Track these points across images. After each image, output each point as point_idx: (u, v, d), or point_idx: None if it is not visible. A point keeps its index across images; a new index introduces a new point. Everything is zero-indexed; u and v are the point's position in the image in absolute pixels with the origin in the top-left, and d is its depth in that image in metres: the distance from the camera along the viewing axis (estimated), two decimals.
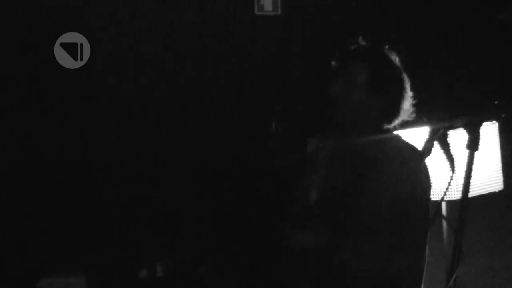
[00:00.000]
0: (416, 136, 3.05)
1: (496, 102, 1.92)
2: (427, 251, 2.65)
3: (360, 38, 2.77)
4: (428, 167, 2.58)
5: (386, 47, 2.76)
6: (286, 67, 4.17)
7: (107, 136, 4.08)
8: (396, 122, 2.72)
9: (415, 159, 2.56)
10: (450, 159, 2.00)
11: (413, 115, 2.72)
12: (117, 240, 4.04)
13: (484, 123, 1.96)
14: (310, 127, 3.11)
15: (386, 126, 2.72)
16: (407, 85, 2.71)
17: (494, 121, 3.30)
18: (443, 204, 3.33)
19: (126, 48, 4.04)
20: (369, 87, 2.67)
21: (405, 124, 2.76)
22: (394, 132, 2.75)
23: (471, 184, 1.95)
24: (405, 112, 2.70)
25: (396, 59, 2.75)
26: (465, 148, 1.94)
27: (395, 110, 2.69)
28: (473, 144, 1.94)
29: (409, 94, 2.70)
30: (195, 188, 4.13)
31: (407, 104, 2.69)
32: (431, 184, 2.63)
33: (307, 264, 2.72)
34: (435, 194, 3.14)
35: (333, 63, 2.78)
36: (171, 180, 4.10)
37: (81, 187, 3.99)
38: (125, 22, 4.03)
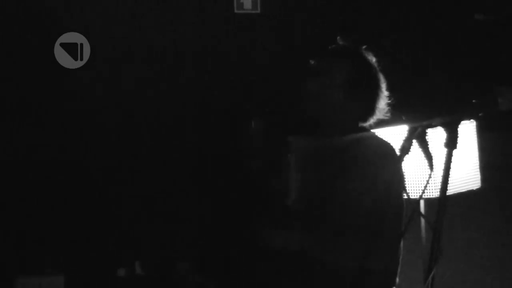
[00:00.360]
0: (394, 134, 3.07)
1: (474, 101, 1.92)
2: (401, 249, 2.68)
3: (338, 38, 2.79)
4: (403, 165, 2.60)
5: (364, 47, 2.78)
6: (265, 66, 4.17)
7: (99, 136, 4.07)
8: (372, 120, 2.75)
9: (390, 158, 2.59)
10: (429, 157, 2.00)
11: (388, 114, 2.75)
12: (95, 238, 4.02)
13: (462, 122, 1.96)
14: (291, 126, 3.12)
15: (362, 125, 2.74)
16: (383, 85, 2.75)
17: (472, 120, 3.33)
18: (422, 202, 3.35)
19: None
20: (346, 86, 2.70)
21: (384, 123, 2.78)
22: (371, 131, 2.78)
23: (449, 182, 1.95)
24: (381, 111, 2.74)
25: (373, 59, 2.77)
26: (444, 147, 1.94)
27: (371, 109, 2.73)
28: (451, 143, 1.94)
29: (384, 93, 2.74)
30: (174, 188, 4.12)
31: (383, 104, 2.73)
32: (405, 183, 2.66)
33: (285, 263, 2.73)
34: (414, 192, 3.16)
35: (311, 62, 2.79)
36: (150, 180, 4.09)
37: (62, 187, 3.97)
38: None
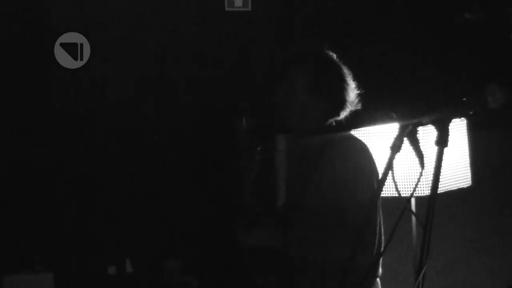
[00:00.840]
0: (385, 132, 3.08)
1: (464, 99, 1.92)
2: (382, 242, 2.69)
3: (296, 45, 2.84)
4: (376, 163, 2.63)
5: (324, 47, 2.78)
6: (256, 63, 4.18)
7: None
8: (345, 114, 2.80)
9: (363, 154, 2.60)
10: (420, 155, 2.01)
11: (359, 105, 2.76)
12: (85, 236, 4.02)
13: (453, 120, 1.97)
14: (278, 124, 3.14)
15: (335, 120, 2.76)
16: (349, 78, 2.76)
17: (462, 118, 3.34)
18: (413, 200, 3.36)
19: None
20: (310, 90, 2.74)
21: (374, 121, 2.79)
22: (345, 130, 2.80)
23: (440, 180, 1.96)
24: (352, 104, 2.78)
25: (333, 55, 2.79)
26: (434, 145, 1.94)
27: (340, 105, 2.76)
28: (442, 141, 1.94)
29: (351, 85, 2.75)
30: (164, 187, 4.12)
31: (352, 96, 2.76)
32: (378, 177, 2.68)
33: (267, 259, 2.75)
34: (405, 190, 3.18)
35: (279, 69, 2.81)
36: (140, 179, 4.09)
37: (53, 185, 3.97)
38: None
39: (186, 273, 3.99)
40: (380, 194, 2.50)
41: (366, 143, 2.79)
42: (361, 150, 2.71)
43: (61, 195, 3.98)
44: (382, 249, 2.71)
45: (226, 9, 4.20)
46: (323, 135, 2.78)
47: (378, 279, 2.78)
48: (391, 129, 3.12)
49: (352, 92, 2.80)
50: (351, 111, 2.83)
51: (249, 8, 4.22)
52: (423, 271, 1.90)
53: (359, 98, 2.82)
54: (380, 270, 2.79)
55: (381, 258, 2.74)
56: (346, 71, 2.82)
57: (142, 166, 4.10)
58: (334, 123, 2.83)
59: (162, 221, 4.09)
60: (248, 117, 2.75)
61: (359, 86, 2.81)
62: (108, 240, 4.05)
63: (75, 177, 3.99)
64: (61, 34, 3.92)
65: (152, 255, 4.08)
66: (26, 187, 3.94)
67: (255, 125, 2.79)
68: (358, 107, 2.84)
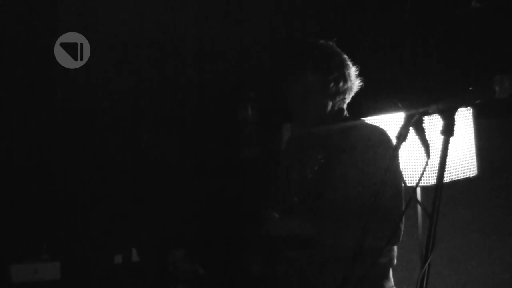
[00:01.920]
0: (391, 121, 3.08)
1: (470, 88, 1.91)
2: (402, 232, 2.70)
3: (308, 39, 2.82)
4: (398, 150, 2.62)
5: (322, 41, 2.79)
6: (258, 54, 4.18)
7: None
8: (351, 94, 2.81)
9: (384, 143, 2.61)
10: (425, 144, 2.00)
11: (361, 83, 2.76)
12: (92, 225, 4.03)
13: (459, 109, 1.96)
14: (284, 114, 3.14)
15: (344, 106, 2.78)
16: (347, 63, 2.80)
17: (468, 107, 3.33)
18: (418, 190, 3.36)
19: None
20: (323, 87, 2.75)
21: (381, 110, 2.80)
22: (362, 119, 2.80)
23: (445, 169, 1.96)
24: (356, 86, 2.79)
25: (328, 43, 2.79)
26: (440, 134, 1.94)
27: (347, 90, 2.79)
28: (447, 130, 1.93)
29: (351, 69, 2.80)
30: (171, 177, 4.12)
31: (353, 78, 2.78)
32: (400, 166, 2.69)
33: (291, 249, 2.74)
34: (410, 179, 3.17)
35: (280, 68, 2.82)
36: (147, 169, 4.10)
37: (59, 176, 3.98)
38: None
39: (192, 262, 3.99)
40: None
41: (381, 127, 2.78)
42: (382, 137, 2.72)
43: (68, 186, 3.99)
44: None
45: None
46: (340, 123, 2.77)
47: (395, 247, 2.79)
48: (397, 118, 3.11)
49: (353, 74, 2.83)
50: (355, 92, 2.85)
51: None
52: (429, 261, 1.89)
53: (359, 78, 2.84)
54: (395, 260, 2.79)
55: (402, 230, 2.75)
56: (343, 55, 2.83)
57: (146, 158, 4.10)
58: (344, 109, 2.84)
59: (168, 210, 4.09)
60: (253, 107, 2.75)
61: (358, 69, 2.83)
62: (115, 230, 4.05)
63: (81, 170, 3.99)
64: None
65: (158, 244, 4.09)
66: (33, 179, 3.95)
67: (260, 115, 2.80)
68: (360, 87, 2.84)
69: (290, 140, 3.03)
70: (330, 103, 2.78)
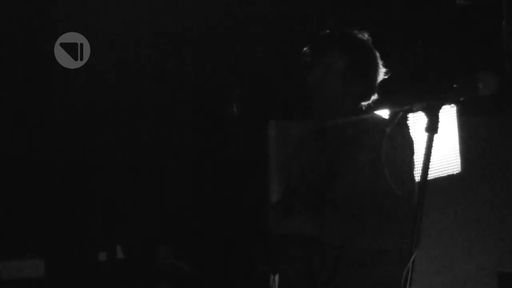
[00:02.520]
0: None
1: (454, 86, 1.86)
2: (420, 231, 2.57)
3: (329, 21, 2.69)
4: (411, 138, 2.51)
5: (356, 27, 2.69)
6: (246, 51, 4.12)
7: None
8: (373, 98, 2.68)
9: (401, 137, 2.49)
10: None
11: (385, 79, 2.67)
12: (76, 223, 3.96)
13: (443, 107, 1.91)
14: (270, 111, 3.06)
15: (363, 104, 2.66)
16: (380, 61, 2.66)
17: (452, 105, 3.27)
18: None
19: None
20: (348, 73, 2.62)
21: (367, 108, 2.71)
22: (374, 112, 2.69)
23: (430, 166, 1.90)
24: (377, 76, 2.66)
25: (368, 37, 2.69)
26: (424, 131, 1.89)
27: (373, 89, 2.64)
28: (432, 127, 1.89)
29: (382, 70, 2.65)
30: (157, 174, 4.07)
31: (380, 78, 2.63)
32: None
33: (295, 247, 2.63)
34: None
35: (306, 50, 2.68)
36: (132, 166, 4.04)
37: (44, 174, 3.91)
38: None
39: (177, 259, 3.92)
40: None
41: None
42: (408, 140, 2.53)
43: (52, 184, 3.91)
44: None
45: None
46: (354, 119, 2.64)
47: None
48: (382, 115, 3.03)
49: (381, 76, 2.69)
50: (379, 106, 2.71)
51: None
52: (413, 257, 1.84)
53: (386, 74, 2.70)
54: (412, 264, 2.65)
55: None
56: (377, 54, 2.70)
57: (130, 156, 4.04)
58: (364, 107, 2.71)
59: (153, 207, 4.03)
60: (239, 103, 2.64)
61: (388, 71, 2.71)
62: (99, 227, 3.99)
63: (66, 168, 3.92)
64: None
65: (143, 241, 4.02)
66: (17, 177, 3.87)
67: (246, 111, 2.69)
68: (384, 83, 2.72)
69: (293, 134, 2.88)
70: (349, 92, 2.64)
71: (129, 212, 4.02)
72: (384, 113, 2.91)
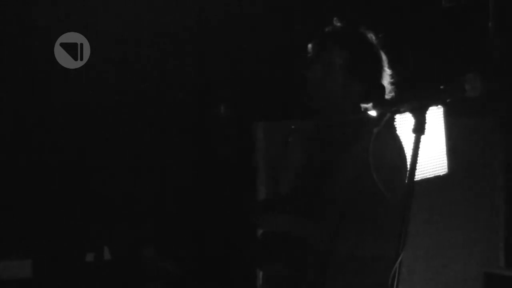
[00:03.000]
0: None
1: (442, 87, 1.82)
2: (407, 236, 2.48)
3: (335, 19, 2.59)
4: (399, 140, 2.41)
5: (363, 26, 2.59)
6: (233, 52, 4.08)
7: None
8: (378, 88, 2.57)
9: (390, 138, 2.39)
10: None
11: (392, 94, 2.56)
12: (64, 223, 3.90)
13: (430, 108, 1.86)
14: (257, 112, 2.98)
15: (364, 105, 2.56)
16: (385, 63, 2.55)
17: (439, 106, 3.21)
18: None
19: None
20: (349, 71, 2.50)
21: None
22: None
23: (417, 167, 1.84)
24: (385, 90, 2.54)
25: (372, 37, 2.58)
26: (412, 132, 1.85)
27: (376, 90, 2.53)
28: (419, 128, 1.84)
29: (387, 72, 2.54)
30: (142, 175, 4.04)
31: (386, 82, 2.53)
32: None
33: (281, 247, 2.53)
34: None
35: (310, 46, 2.58)
36: (120, 166, 4.00)
37: (32, 173, 3.86)
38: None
39: (163, 259, 3.87)
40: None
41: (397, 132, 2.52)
42: (397, 141, 2.45)
43: (39, 184, 3.85)
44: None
45: None
46: (351, 122, 2.53)
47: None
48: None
49: (386, 78, 2.58)
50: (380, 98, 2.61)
51: None
52: (400, 258, 1.81)
53: (392, 86, 2.59)
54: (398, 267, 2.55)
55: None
56: (383, 55, 2.59)
57: (117, 156, 3.98)
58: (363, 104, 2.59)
59: (139, 208, 3.98)
60: (226, 104, 2.56)
61: (394, 75, 2.61)
62: (86, 228, 3.92)
63: (53, 168, 3.86)
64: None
65: (129, 242, 3.97)
66: (4, 176, 3.81)
67: (232, 112, 2.61)
68: (390, 96, 2.60)
69: (296, 134, 2.76)
70: (349, 91, 2.52)
71: (116, 213, 3.97)
72: (371, 114, 2.83)
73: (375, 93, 2.53)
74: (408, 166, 1.85)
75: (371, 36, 2.60)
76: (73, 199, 3.88)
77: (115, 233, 3.93)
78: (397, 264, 1.78)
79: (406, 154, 2.40)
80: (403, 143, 2.44)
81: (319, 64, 2.54)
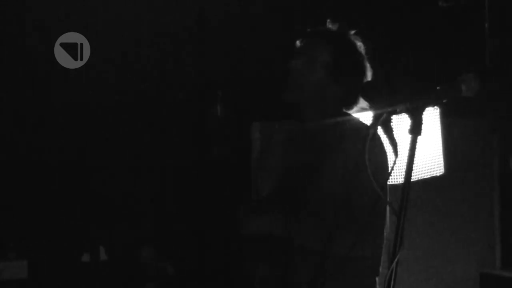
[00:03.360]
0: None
1: (438, 88, 1.80)
2: (384, 238, 2.46)
3: (328, 21, 2.56)
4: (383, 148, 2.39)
5: (353, 32, 2.55)
6: (231, 53, 4.06)
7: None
8: (355, 108, 2.53)
9: (379, 148, 2.37)
10: (393, 143, 1.89)
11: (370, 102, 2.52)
12: (59, 224, 3.87)
13: (427, 108, 1.84)
14: (254, 112, 2.96)
15: (345, 110, 2.52)
16: (369, 73, 2.51)
17: (435, 107, 3.18)
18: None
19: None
20: (328, 67, 2.46)
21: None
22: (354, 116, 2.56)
23: (413, 168, 1.83)
24: (363, 76, 2.51)
25: (361, 46, 2.54)
26: (408, 133, 1.82)
27: (354, 96, 2.49)
28: (415, 129, 1.81)
29: (363, 59, 2.51)
30: (140, 175, 4.01)
31: (364, 69, 2.50)
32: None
33: (266, 249, 2.51)
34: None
35: (297, 42, 2.55)
36: (116, 167, 3.97)
37: (28, 174, 3.83)
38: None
39: (160, 260, 3.84)
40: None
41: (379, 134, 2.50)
42: (379, 143, 2.40)
43: (35, 184, 3.83)
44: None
45: None
46: (334, 122, 2.49)
47: (377, 278, 2.53)
48: (366, 117, 2.92)
49: (366, 68, 2.53)
50: (361, 108, 2.56)
51: None
52: (396, 259, 1.77)
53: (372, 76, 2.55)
54: (380, 269, 2.53)
55: (382, 256, 2.50)
56: (368, 65, 2.54)
57: (115, 157, 3.96)
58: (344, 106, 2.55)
59: (136, 208, 3.95)
60: (222, 104, 2.54)
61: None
62: (82, 228, 3.90)
63: (49, 168, 3.84)
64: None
65: (126, 242, 3.94)
66: (5, 176, 3.79)
67: (229, 112, 2.58)
68: (369, 107, 2.57)
69: (279, 135, 2.73)
70: (330, 91, 2.49)
71: (113, 213, 3.95)
72: (367, 115, 2.80)
73: (352, 100, 2.51)
74: (404, 167, 1.82)
75: (360, 45, 2.56)
76: (73, 199, 3.86)
77: (114, 233, 3.91)
78: (394, 263, 1.75)
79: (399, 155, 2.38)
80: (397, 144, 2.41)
81: (301, 57, 2.51)
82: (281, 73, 2.57)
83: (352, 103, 2.52)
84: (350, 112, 2.54)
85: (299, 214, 2.41)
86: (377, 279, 2.51)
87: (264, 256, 2.54)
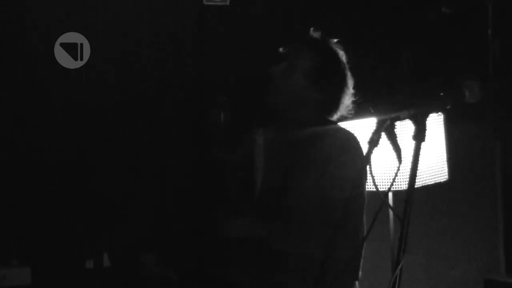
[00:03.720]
0: (363, 127, 2.93)
1: (441, 94, 1.82)
2: (363, 244, 2.50)
3: (311, 29, 2.61)
4: (369, 158, 2.42)
5: (335, 41, 2.59)
6: (233, 58, 4.06)
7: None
8: (335, 116, 2.58)
9: (353, 151, 2.41)
10: (397, 150, 1.91)
11: (352, 112, 2.57)
12: (63, 230, 3.88)
13: (430, 115, 1.86)
14: (257, 118, 2.97)
15: (326, 118, 2.55)
16: (350, 82, 2.57)
17: (439, 113, 3.20)
18: (390, 194, 3.21)
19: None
20: (309, 74, 2.51)
21: (352, 115, 2.62)
22: (337, 124, 2.60)
23: (417, 174, 1.85)
24: (345, 108, 2.57)
25: (343, 55, 2.58)
26: (412, 139, 1.84)
27: (335, 104, 2.55)
28: (419, 135, 1.83)
29: (350, 91, 2.55)
30: (141, 180, 4.02)
31: (348, 100, 2.57)
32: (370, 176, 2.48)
33: (247, 252, 2.54)
34: (382, 184, 3.03)
35: (280, 49, 2.59)
36: (117, 172, 3.97)
37: (30, 179, 3.83)
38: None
39: (164, 266, 3.85)
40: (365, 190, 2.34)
41: (355, 136, 2.55)
42: (349, 146, 2.47)
43: (38, 190, 3.83)
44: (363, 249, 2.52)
45: (205, 3, 4.06)
46: (310, 128, 2.54)
47: (357, 282, 2.56)
48: (369, 123, 2.95)
49: (349, 97, 2.59)
50: (342, 116, 2.61)
51: (227, 3, 4.08)
52: (400, 265, 1.79)
53: (353, 105, 2.61)
54: (360, 273, 2.57)
55: (361, 262, 2.53)
56: (349, 74, 2.59)
57: (117, 161, 3.96)
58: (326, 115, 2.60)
59: (140, 214, 3.96)
60: (225, 110, 2.56)
61: (356, 94, 2.61)
62: (86, 234, 3.90)
63: (51, 173, 3.84)
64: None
65: (129, 249, 3.94)
66: (4, 176, 3.79)
67: (232, 118, 2.61)
68: (350, 115, 2.61)
69: (266, 141, 2.80)
70: (310, 98, 2.53)
71: (116, 219, 3.95)
72: (371, 121, 2.83)
73: (333, 107, 2.55)
74: (409, 173, 1.84)
75: (342, 53, 2.60)
76: (73, 201, 3.86)
77: (115, 235, 3.91)
78: (398, 269, 1.76)
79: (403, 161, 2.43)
80: (356, 146, 2.46)
81: (283, 62, 2.56)
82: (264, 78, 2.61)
83: (332, 110, 2.58)
84: (332, 119, 2.59)
85: (275, 218, 2.46)
86: (356, 283, 2.55)
87: (240, 258, 2.58)
